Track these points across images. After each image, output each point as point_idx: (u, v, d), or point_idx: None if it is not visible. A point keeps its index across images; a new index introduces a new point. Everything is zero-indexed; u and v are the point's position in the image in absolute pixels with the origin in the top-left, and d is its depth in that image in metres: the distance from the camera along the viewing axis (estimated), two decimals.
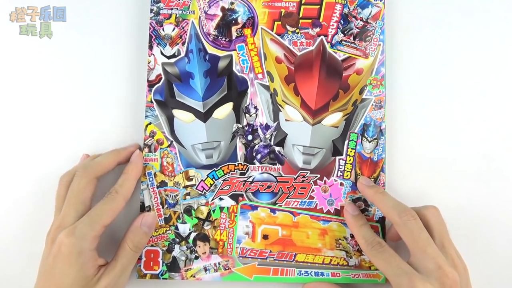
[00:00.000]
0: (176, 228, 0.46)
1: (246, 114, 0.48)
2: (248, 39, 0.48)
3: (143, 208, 0.46)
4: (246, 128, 0.47)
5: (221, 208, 0.46)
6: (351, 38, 0.48)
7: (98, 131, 0.49)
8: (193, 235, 0.46)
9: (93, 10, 0.50)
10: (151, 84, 0.47)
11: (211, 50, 0.48)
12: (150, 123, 0.47)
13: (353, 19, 0.48)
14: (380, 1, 0.49)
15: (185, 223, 0.46)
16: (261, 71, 0.48)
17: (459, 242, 0.42)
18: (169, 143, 0.47)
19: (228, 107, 0.48)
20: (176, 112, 0.47)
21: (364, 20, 0.48)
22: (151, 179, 0.46)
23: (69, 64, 0.50)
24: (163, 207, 0.46)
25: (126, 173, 0.44)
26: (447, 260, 0.39)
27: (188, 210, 0.46)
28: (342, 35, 0.48)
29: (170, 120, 0.47)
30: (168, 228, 0.46)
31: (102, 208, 0.42)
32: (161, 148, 0.47)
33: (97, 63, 0.50)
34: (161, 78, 0.47)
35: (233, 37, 0.48)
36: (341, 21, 0.48)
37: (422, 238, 0.40)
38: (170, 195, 0.46)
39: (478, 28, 0.50)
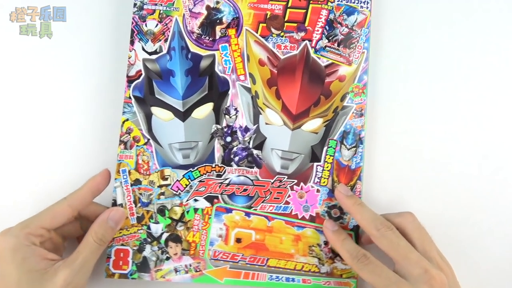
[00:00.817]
0: (148, 227, 0.45)
1: (226, 116, 0.47)
2: (232, 40, 0.48)
3: (115, 206, 0.45)
4: (225, 130, 0.47)
5: (196, 210, 0.46)
6: (336, 44, 0.48)
7: (76, 126, 0.48)
8: (165, 235, 0.45)
9: (92, 9, 0.50)
10: (130, 80, 0.47)
11: (193, 48, 0.47)
12: (127, 120, 0.46)
13: (339, 25, 0.48)
14: (367, 8, 0.48)
15: (157, 223, 0.45)
16: (244, 73, 0.48)
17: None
18: (146, 141, 0.46)
19: (208, 107, 0.47)
20: (154, 110, 0.46)
21: (349, 27, 0.48)
22: (125, 176, 0.45)
23: (69, 63, 0.50)
24: (136, 206, 0.45)
25: (84, 184, 0.44)
26: (431, 263, 0.40)
27: (162, 210, 0.45)
28: (326, 41, 0.48)
29: (148, 117, 0.46)
30: (140, 228, 0.45)
31: (44, 210, 0.42)
32: (137, 146, 0.46)
33: (78, 57, 0.49)
34: (141, 74, 0.47)
35: (217, 37, 0.48)
36: (326, 26, 0.48)
37: (402, 246, 0.41)
38: (144, 193, 0.45)
39: (462, 40, 0.51)
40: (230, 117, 0.47)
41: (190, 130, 0.46)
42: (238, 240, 0.46)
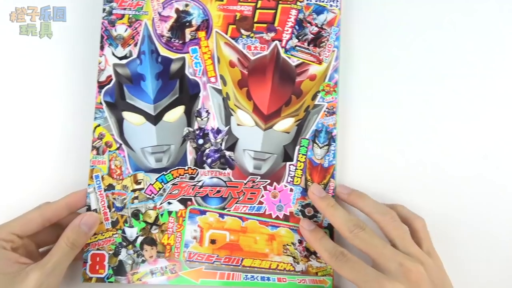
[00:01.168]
0: (123, 231, 0.46)
1: (198, 118, 0.47)
2: (202, 42, 0.48)
3: (89, 211, 0.45)
4: (197, 132, 0.47)
5: (169, 212, 0.46)
6: (306, 43, 0.48)
7: (48, 132, 0.48)
8: (140, 239, 0.46)
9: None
10: (101, 85, 0.47)
11: (163, 52, 0.48)
12: (99, 125, 0.46)
13: (308, 24, 0.48)
14: (336, 7, 0.48)
15: (132, 227, 0.46)
16: (214, 75, 0.48)
17: None
18: (118, 145, 0.46)
19: (179, 110, 0.47)
20: (126, 114, 0.47)
21: (319, 26, 0.48)
22: (98, 182, 0.46)
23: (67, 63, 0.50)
24: (110, 211, 0.46)
25: (63, 197, 0.45)
26: (409, 257, 0.40)
27: (136, 214, 0.46)
28: (296, 40, 0.48)
29: (120, 122, 0.47)
30: (115, 232, 0.46)
31: (16, 217, 0.42)
32: (109, 151, 0.46)
33: (50, 65, 0.50)
34: (112, 79, 0.47)
35: (187, 40, 0.48)
36: (296, 26, 0.48)
37: (375, 244, 0.41)
38: (118, 198, 0.46)
39: (432, 36, 0.50)
40: (202, 119, 0.47)
41: (162, 134, 0.47)
42: (213, 241, 0.46)
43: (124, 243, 0.46)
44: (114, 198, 0.46)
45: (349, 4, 0.50)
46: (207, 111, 0.47)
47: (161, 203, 0.46)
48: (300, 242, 0.46)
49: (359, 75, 0.50)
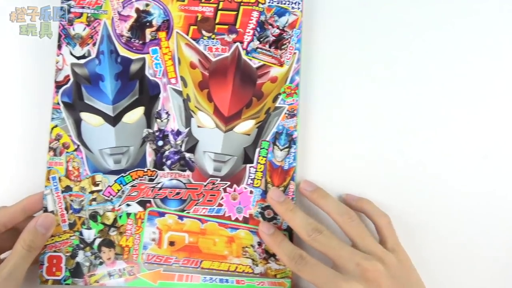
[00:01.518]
0: (81, 233, 0.45)
1: (158, 119, 0.47)
2: (162, 43, 0.47)
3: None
4: (157, 134, 0.47)
5: (128, 214, 0.46)
6: (267, 45, 0.48)
7: (4, 132, 0.48)
8: (98, 241, 0.46)
9: None
10: (58, 85, 0.46)
11: (123, 52, 0.47)
12: (56, 126, 0.46)
13: (270, 26, 0.48)
14: (298, 9, 0.48)
15: (90, 228, 0.46)
16: (175, 76, 0.47)
17: None
18: (76, 147, 0.46)
19: (139, 111, 0.47)
20: (84, 115, 0.46)
21: (280, 28, 0.48)
22: (55, 183, 0.45)
23: None
24: (67, 213, 0.45)
25: (18, 201, 0.44)
26: (366, 256, 0.41)
27: (94, 216, 0.46)
28: (258, 42, 0.48)
29: (78, 123, 0.46)
30: (72, 234, 0.45)
31: None
32: (67, 152, 0.46)
33: (6, 63, 0.49)
34: (70, 79, 0.46)
35: (147, 40, 0.47)
36: (258, 28, 0.48)
37: (333, 246, 0.42)
38: (75, 200, 0.45)
39: (393, 39, 0.51)
40: (162, 121, 0.47)
41: (121, 135, 0.46)
42: (172, 243, 0.46)
43: (82, 245, 0.45)
44: (71, 200, 0.45)
45: (311, 6, 0.50)
46: (167, 113, 0.47)
47: (119, 205, 0.46)
48: (260, 244, 0.47)
49: (321, 77, 0.50)
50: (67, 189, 0.45)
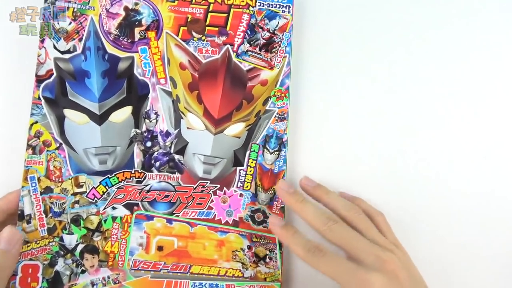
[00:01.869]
0: (61, 239, 0.42)
1: (146, 120, 0.45)
2: (151, 42, 0.46)
3: (22, 217, 0.41)
4: (145, 134, 0.45)
5: (114, 218, 0.43)
6: (257, 48, 0.48)
7: None
8: (80, 247, 0.42)
9: None
10: (39, 80, 0.43)
11: (111, 49, 0.45)
12: (36, 122, 0.43)
13: (260, 29, 0.49)
14: (288, 13, 0.49)
15: (72, 234, 0.42)
16: (164, 76, 0.46)
17: None
18: (58, 145, 0.43)
19: (126, 110, 0.45)
20: (67, 112, 0.43)
21: (271, 31, 0.49)
22: (33, 184, 0.42)
23: None
24: (46, 216, 0.42)
25: None
26: (383, 248, 0.41)
27: (76, 220, 0.42)
28: (248, 45, 0.48)
29: (61, 120, 0.43)
30: (51, 240, 0.42)
31: None
32: (47, 151, 0.43)
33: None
34: (53, 74, 0.44)
35: (136, 39, 0.46)
36: (248, 31, 0.48)
37: (350, 236, 0.41)
38: (56, 203, 0.42)
39: (383, 42, 0.52)
40: (150, 121, 0.45)
41: (107, 135, 0.44)
42: (160, 248, 0.44)
43: (62, 252, 0.42)
44: (51, 202, 0.42)
45: (301, 10, 0.51)
46: (156, 113, 0.46)
47: (104, 208, 0.43)
48: (249, 248, 0.46)
49: (311, 81, 0.50)
50: (47, 190, 0.42)
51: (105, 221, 0.43)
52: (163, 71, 0.46)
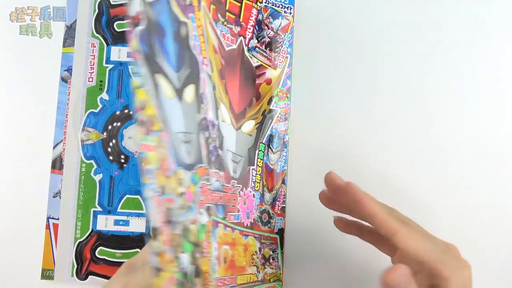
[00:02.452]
0: (180, 261, 0.28)
1: (202, 104, 0.37)
2: (196, 12, 0.38)
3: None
4: (203, 122, 0.37)
5: (202, 226, 0.33)
6: (263, 46, 0.48)
7: None
8: (190, 270, 0.30)
9: None
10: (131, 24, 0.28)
11: (175, 7, 0.34)
12: (140, 87, 0.27)
13: (266, 27, 0.48)
14: (290, 14, 0.49)
15: (183, 252, 0.29)
16: (206, 56, 0.39)
17: (368, 251, 0.41)
18: (162, 125, 0.29)
19: (192, 89, 0.35)
20: (159, 79, 0.30)
21: (274, 30, 0.48)
22: (152, 181, 0.27)
23: None
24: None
25: None
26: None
27: (185, 232, 0.30)
28: (256, 41, 0.47)
29: (157, 89, 0.29)
30: (174, 265, 0.28)
31: None
32: (154, 131, 0.28)
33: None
34: (141, 19, 0.29)
35: (187, 2, 0.37)
36: (256, 26, 0.47)
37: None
38: (171, 208, 0.28)
39: (381, 45, 0.51)
40: (205, 106, 0.37)
41: (187, 117, 0.33)
42: (225, 260, 0.37)
43: (183, 281, 0.28)
44: (168, 208, 0.28)
45: (302, 12, 0.50)
46: (206, 98, 0.38)
47: (196, 214, 0.32)
48: (260, 250, 0.45)
49: (310, 83, 0.50)
50: (162, 190, 0.28)
51: (199, 231, 0.32)
52: (205, 49, 0.39)
